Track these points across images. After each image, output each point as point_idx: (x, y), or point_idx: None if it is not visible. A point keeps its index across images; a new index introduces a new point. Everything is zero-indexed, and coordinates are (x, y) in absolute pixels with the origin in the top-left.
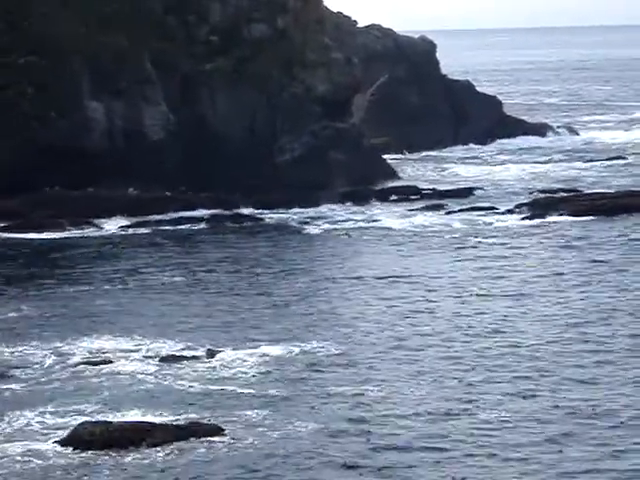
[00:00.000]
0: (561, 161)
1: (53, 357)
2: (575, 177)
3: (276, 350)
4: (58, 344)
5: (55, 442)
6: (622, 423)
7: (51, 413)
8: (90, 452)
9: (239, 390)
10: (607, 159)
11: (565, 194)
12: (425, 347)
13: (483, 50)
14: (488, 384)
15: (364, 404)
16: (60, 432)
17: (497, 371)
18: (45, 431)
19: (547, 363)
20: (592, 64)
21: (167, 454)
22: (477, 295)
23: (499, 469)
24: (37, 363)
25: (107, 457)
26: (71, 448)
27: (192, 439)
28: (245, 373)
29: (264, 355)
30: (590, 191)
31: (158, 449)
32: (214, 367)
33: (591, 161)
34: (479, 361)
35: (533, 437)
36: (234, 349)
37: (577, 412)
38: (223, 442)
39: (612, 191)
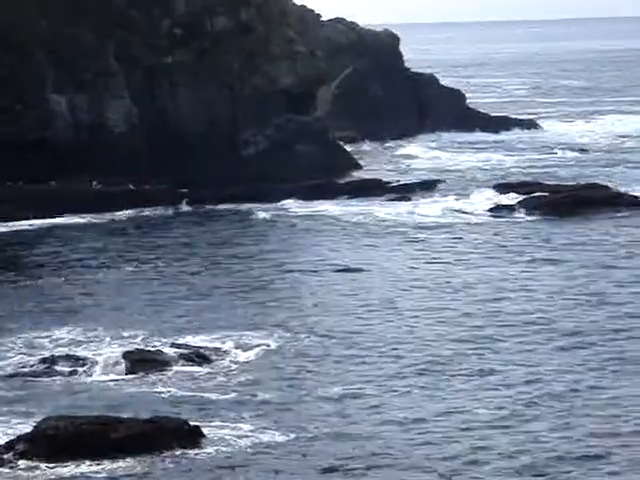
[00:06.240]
0: (522, 153)
1: (12, 352)
2: (536, 168)
3: (244, 344)
4: (17, 340)
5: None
6: None
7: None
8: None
9: (208, 394)
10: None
11: (526, 187)
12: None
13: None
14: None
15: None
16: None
17: None
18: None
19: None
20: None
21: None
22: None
23: None
24: None
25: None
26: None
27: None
28: (214, 370)
29: (234, 349)
30: (551, 183)
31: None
32: (181, 364)
33: (551, 153)
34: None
35: None
36: (201, 348)
37: None
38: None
39: (573, 183)
